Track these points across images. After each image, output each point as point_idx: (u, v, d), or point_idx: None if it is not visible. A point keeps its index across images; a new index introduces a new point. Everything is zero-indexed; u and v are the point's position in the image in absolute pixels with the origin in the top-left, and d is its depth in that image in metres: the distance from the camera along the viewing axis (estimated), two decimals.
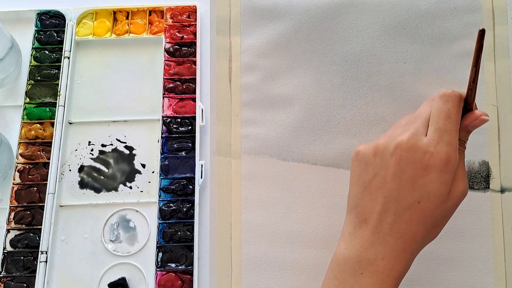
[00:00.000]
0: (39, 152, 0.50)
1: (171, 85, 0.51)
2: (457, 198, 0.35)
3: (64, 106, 0.51)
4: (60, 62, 0.52)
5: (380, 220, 0.34)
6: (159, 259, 0.46)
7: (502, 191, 0.46)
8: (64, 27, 0.54)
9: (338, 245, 0.36)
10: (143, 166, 0.50)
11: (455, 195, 0.34)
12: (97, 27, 0.54)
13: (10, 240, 0.47)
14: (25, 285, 0.45)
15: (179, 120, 0.50)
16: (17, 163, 0.49)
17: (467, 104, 0.36)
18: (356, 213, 0.36)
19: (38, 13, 0.54)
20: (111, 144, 0.50)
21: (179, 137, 0.50)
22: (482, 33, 0.34)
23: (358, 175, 0.36)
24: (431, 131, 0.34)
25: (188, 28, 0.53)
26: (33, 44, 0.53)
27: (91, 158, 0.50)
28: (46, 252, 0.46)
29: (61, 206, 0.48)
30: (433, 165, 0.33)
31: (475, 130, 0.47)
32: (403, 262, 0.34)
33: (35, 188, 0.48)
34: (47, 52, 0.53)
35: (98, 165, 0.50)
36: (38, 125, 0.50)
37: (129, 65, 0.53)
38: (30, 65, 0.52)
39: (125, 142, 0.51)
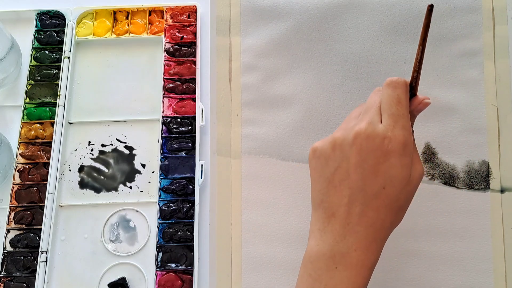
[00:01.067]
0: (39, 152, 0.50)
1: (171, 85, 0.51)
2: (417, 180, 0.35)
3: (64, 106, 0.51)
4: (60, 62, 0.52)
5: (349, 212, 0.34)
6: (159, 259, 0.46)
7: (502, 191, 0.46)
8: (64, 27, 0.54)
9: (308, 244, 0.35)
10: (143, 166, 0.50)
11: (415, 177, 0.35)
12: (97, 27, 0.54)
13: (10, 240, 0.47)
14: (25, 285, 0.45)
15: (179, 120, 0.50)
16: (17, 163, 0.49)
17: (412, 89, 0.37)
18: (323, 208, 0.35)
19: (38, 13, 0.54)
20: (111, 144, 0.50)
21: (179, 137, 0.50)
22: (430, 8, 0.34)
23: (319, 171, 0.36)
24: (385, 117, 0.35)
25: (188, 28, 0.53)
26: (33, 44, 0.53)
27: (91, 158, 0.50)
28: (46, 252, 0.46)
29: (61, 206, 0.48)
30: (393, 150, 0.34)
31: (475, 129, 0.47)
32: (375, 251, 0.34)
33: (35, 188, 0.48)
34: (47, 52, 0.53)
35: (98, 165, 0.50)
36: (38, 125, 0.50)
37: (129, 65, 0.53)
38: (30, 65, 0.52)
39: (125, 142, 0.51)
